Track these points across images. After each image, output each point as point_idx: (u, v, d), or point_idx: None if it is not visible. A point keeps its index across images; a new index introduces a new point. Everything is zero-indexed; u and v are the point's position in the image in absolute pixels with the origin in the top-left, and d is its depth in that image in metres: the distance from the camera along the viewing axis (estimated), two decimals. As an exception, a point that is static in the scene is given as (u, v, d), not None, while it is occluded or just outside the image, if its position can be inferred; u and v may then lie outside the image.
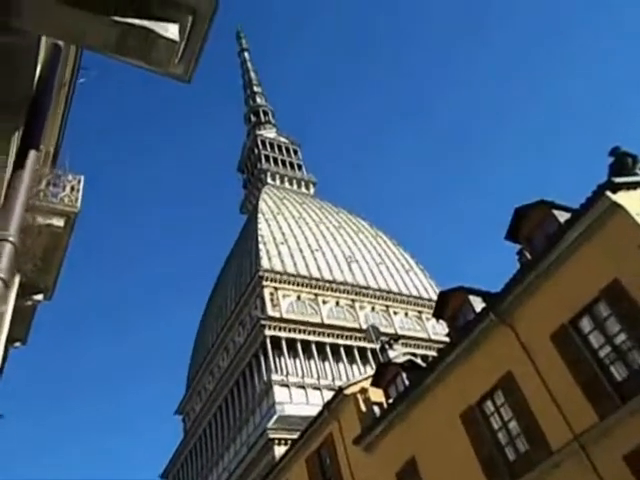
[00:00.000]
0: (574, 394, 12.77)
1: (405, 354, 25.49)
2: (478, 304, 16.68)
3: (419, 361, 22.82)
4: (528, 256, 15.67)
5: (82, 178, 10.35)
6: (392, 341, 23.32)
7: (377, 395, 19.96)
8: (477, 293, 17.15)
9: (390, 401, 18.71)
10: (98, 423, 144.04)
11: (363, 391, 20.24)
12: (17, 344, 13.80)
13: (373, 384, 19.95)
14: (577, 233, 13.25)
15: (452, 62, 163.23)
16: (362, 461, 18.74)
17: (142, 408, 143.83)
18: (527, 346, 14.00)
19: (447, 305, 17.60)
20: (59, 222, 9.63)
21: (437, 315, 18.09)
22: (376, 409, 19.62)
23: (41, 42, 3.25)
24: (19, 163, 2.88)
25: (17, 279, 8.70)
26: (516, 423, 14.25)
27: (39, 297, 10.84)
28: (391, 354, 22.83)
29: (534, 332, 13.94)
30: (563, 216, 14.56)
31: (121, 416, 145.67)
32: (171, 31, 2.97)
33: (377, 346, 27.34)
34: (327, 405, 20.85)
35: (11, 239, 2.55)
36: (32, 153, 2.97)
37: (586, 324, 13.10)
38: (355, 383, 21.27)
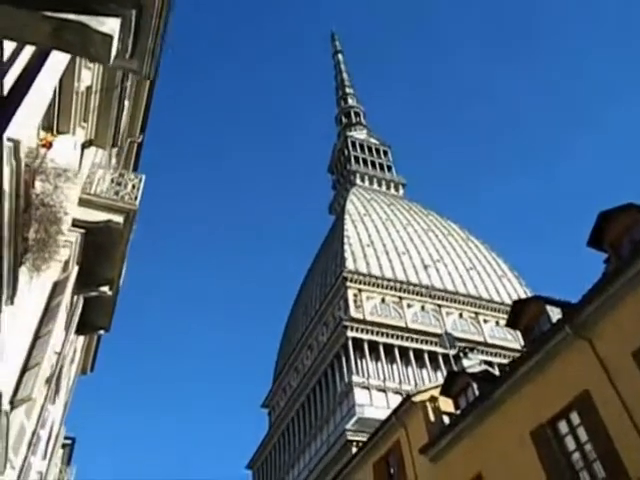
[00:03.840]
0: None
1: (483, 362, 24.39)
2: (556, 315, 15.48)
3: (496, 372, 21.68)
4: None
5: (143, 177, 10.82)
6: (467, 349, 22.33)
7: (447, 405, 19.18)
8: (556, 303, 15.92)
9: (459, 412, 17.90)
10: (190, 412, 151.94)
11: (432, 399, 19.52)
12: (101, 332, 14.84)
13: (443, 393, 19.19)
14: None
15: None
16: (428, 471, 18.09)
17: (234, 400, 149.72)
18: (606, 364, 12.75)
19: (522, 315, 16.51)
20: (119, 218, 10.12)
21: (511, 325, 17.01)
22: (445, 419, 18.89)
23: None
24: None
25: (75, 270, 9.26)
26: (592, 447, 13.02)
27: (105, 288, 11.46)
28: (466, 363, 21.90)
29: (614, 349, 12.67)
30: (654, 221, 13.13)
31: (213, 408, 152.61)
32: (109, 25, 2.94)
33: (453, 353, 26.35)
34: (395, 412, 20.36)
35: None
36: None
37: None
38: (425, 390, 20.55)
